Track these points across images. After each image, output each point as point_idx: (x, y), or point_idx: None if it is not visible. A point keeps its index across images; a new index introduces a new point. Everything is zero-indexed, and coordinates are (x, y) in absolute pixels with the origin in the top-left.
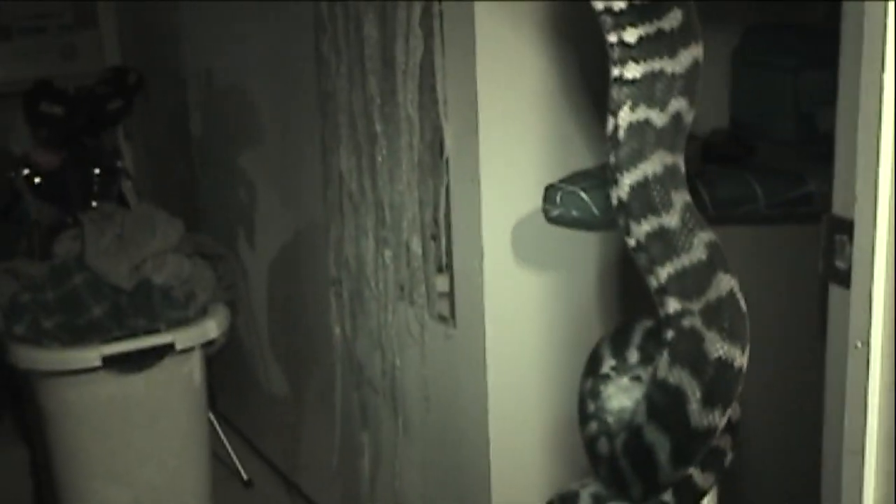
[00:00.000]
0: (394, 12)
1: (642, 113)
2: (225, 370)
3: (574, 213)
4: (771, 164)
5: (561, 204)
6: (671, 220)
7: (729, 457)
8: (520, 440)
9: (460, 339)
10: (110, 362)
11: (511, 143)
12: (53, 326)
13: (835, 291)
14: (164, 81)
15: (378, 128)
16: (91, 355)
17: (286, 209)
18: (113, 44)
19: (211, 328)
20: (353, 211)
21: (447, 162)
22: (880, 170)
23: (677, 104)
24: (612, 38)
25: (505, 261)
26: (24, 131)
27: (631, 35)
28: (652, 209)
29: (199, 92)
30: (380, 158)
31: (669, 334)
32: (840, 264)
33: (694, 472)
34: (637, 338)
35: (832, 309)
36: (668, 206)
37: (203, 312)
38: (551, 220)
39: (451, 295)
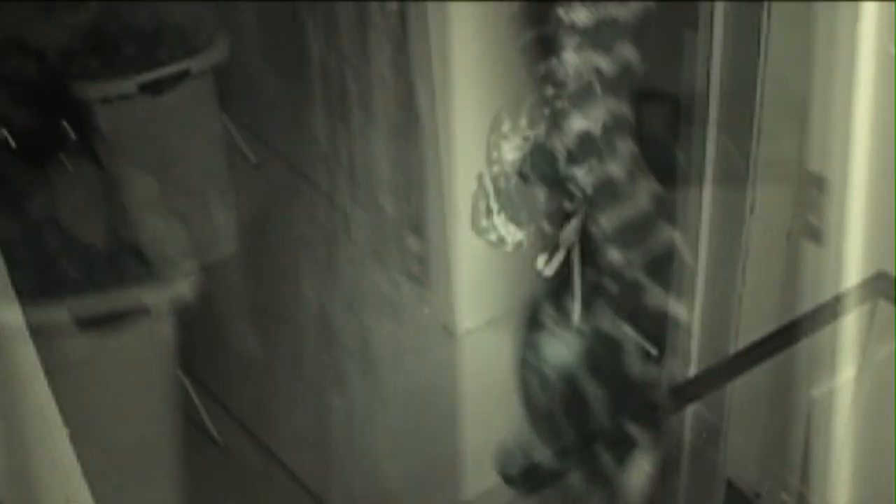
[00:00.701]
0: None
1: (589, 58)
2: (197, 331)
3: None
4: None
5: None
6: (616, 169)
7: (669, 415)
8: (490, 400)
9: (432, 299)
10: (143, 88)
11: (484, 102)
12: (98, 65)
13: (807, 246)
14: None
15: (352, 88)
16: (129, 84)
17: (257, 169)
18: None
19: (216, 53)
20: (327, 171)
21: (420, 122)
22: (854, 126)
23: (624, 50)
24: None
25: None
26: None
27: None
28: (598, 158)
29: None
30: (353, 119)
31: (546, 111)
32: (812, 220)
33: (631, 426)
34: (527, 107)
35: (802, 263)
36: (613, 154)
37: (209, 42)
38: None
39: (423, 255)
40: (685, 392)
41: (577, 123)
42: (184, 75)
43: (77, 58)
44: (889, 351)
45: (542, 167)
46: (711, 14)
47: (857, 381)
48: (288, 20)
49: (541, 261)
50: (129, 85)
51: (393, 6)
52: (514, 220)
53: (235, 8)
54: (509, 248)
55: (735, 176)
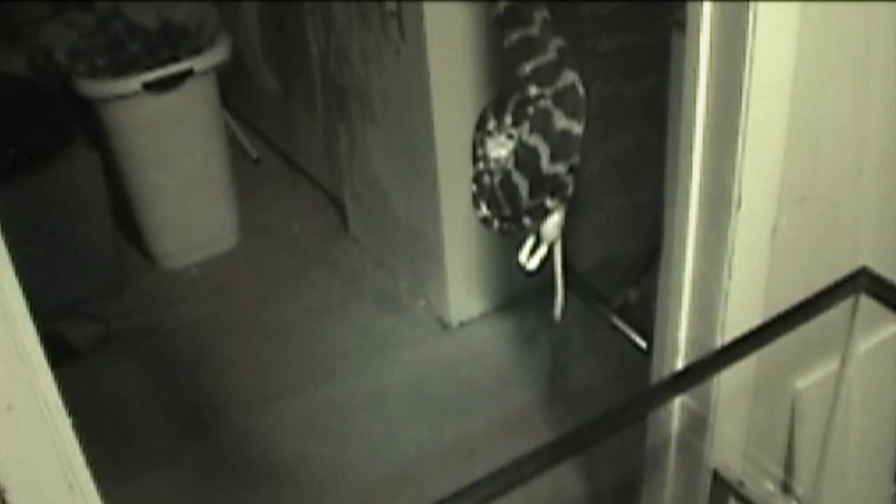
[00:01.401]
0: None
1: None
2: (233, 77)
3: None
4: None
5: None
6: (533, 30)
7: (570, 189)
8: (458, 119)
9: (408, 52)
10: (148, 87)
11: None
12: (104, 63)
13: (675, 36)
14: None
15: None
16: (134, 83)
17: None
18: None
19: (219, 53)
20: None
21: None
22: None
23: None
24: None
25: None
26: None
27: None
28: (520, 22)
29: None
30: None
31: (530, 110)
32: (679, 15)
33: (547, 199)
34: (511, 106)
35: (674, 48)
36: (530, 20)
37: (212, 41)
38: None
39: (399, 18)
40: (674, 385)
41: (560, 123)
42: (187, 74)
43: (84, 57)
44: (871, 343)
45: (526, 165)
46: (699, 25)
47: (840, 373)
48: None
49: (523, 255)
50: (135, 83)
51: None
52: (498, 215)
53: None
54: (495, 230)
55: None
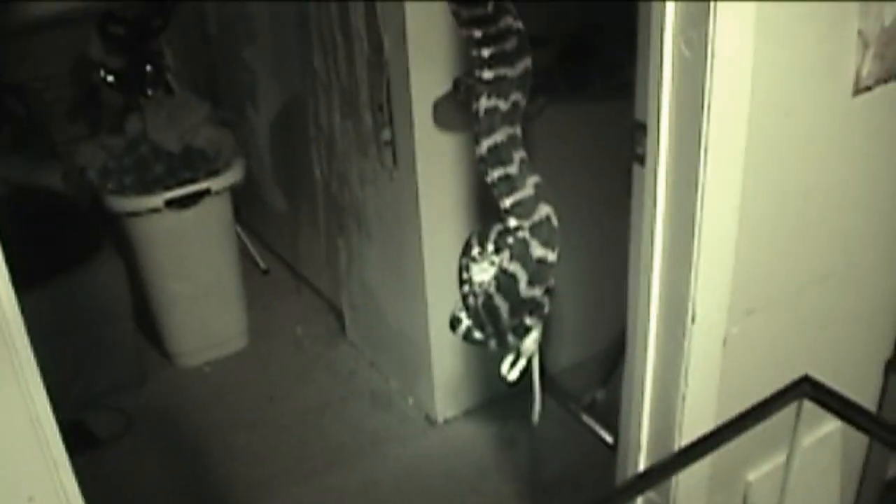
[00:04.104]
0: None
1: (493, 101)
2: (245, 196)
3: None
4: (606, 57)
5: (462, 90)
6: (513, 169)
7: (547, 308)
8: (443, 240)
9: (400, 178)
10: (169, 204)
11: (431, 47)
12: (131, 182)
13: (636, 169)
14: (190, 1)
15: (337, 37)
16: (157, 200)
17: (279, 89)
18: None
19: (233, 174)
20: (324, 92)
21: (387, 60)
22: (662, 90)
23: (515, 96)
24: (474, 53)
25: (429, 125)
26: (98, 44)
27: (486, 52)
28: (500, 162)
29: (214, 7)
30: (340, 58)
31: (510, 240)
32: (639, 150)
33: (527, 316)
34: (493, 235)
35: (635, 179)
36: (510, 160)
37: (227, 164)
38: (458, 100)
39: (393, 148)
40: (637, 485)
41: (537, 252)
42: (205, 193)
43: (113, 176)
44: (815, 438)
45: (506, 289)
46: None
47: (787, 466)
48: (297, 150)
49: (505, 366)
50: (158, 200)
51: (387, 136)
52: (481, 331)
53: (251, 136)
54: (478, 342)
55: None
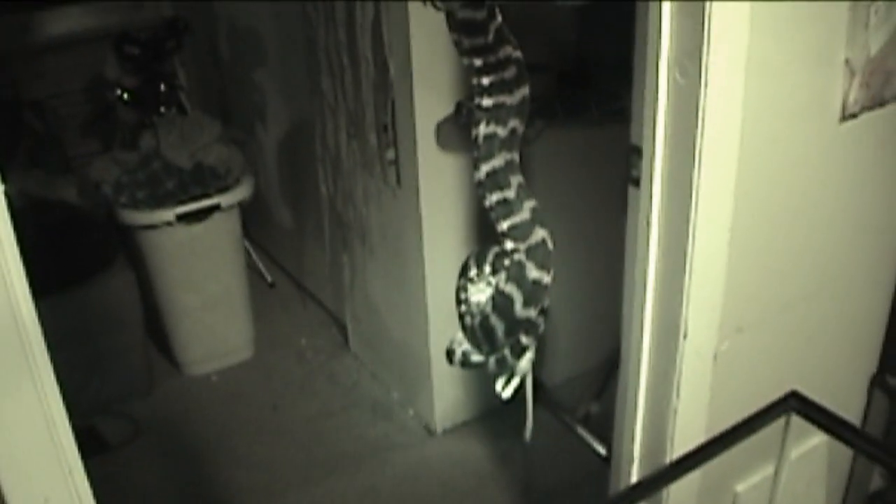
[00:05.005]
0: None
1: (492, 128)
2: (253, 212)
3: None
4: (602, 83)
5: (464, 113)
6: (510, 193)
7: (542, 328)
8: (444, 257)
9: (404, 197)
10: (180, 218)
11: (435, 71)
12: (144, 196)
13: (631, 191)
14: (203, 24)
15: (345, 61)
16: (168, 214)
17: (287, 109)
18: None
19: (242, 191)
20: (331, 113)
21: (392, 83)
22: (657, 116)
23: (514, 122)
24: (474, 80)
25: (431, 146)
26: (114, 64)
27: (485, 80)
28: (498, 187)
29: (226, 30)
30: (347, 80)
31: (506, 261)
32: (634, 173)
33: (522, 336)
34: (490, 257)
35: (630, 201)
36: (507, 185)
37: (237, 181)
38: (460, 122)
39: (396, 168)
40: (630, 495)
41: (532, 274)
42: (215, 208)
43: (127, 190)
44: (802, 451)
45: (502, 310)
46: (651, 181)
47: (775, 477)
48: (304, 168)
49: (499, 384)
50: (169, 215)
51: (391, 156)
52: (479, 351)
53: (259, 155)
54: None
55: (670, 309)
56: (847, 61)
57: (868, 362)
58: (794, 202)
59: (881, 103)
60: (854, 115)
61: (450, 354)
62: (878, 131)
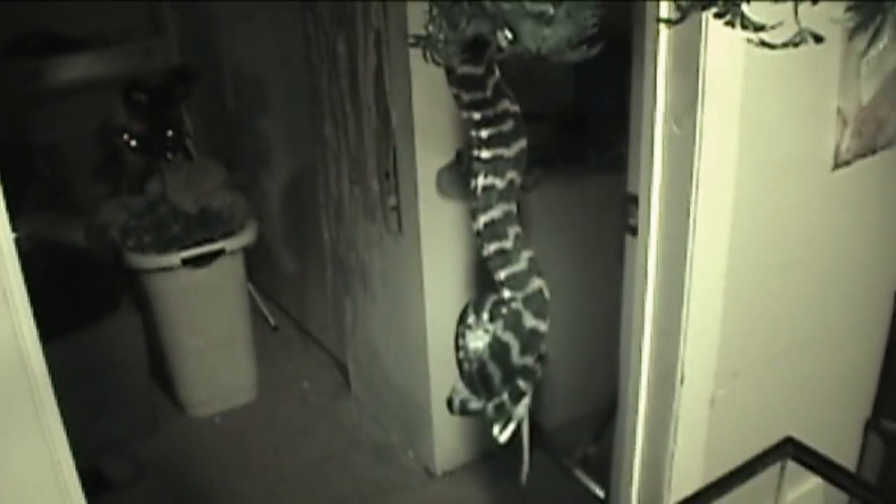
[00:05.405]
0: (356, 36)
1: (490, 179)
2: (257, 256)
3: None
4: (599, 132)
5: (465, 161)
6: (508, 243)
7: (539, 374)
8: (444, 302)
9: (405, 243)
10: (186, 262)
11: (436, 119)
12: (150, 240)
13: (628, 239)
14: (209, 71)
15: (348, 109)
16: (174, 258)
17: (291, 156)
18: (176, 48)
19: (247, 236)
20: (334, 160)
21: (394, 131)
22: (654, 166)
23: (511, 174)
24: (473, 133)
25: (432, 193)
26: (122, 110)
27: (484, 133)
28: (496, 237)
29: (232, 78)
30: (350, 128)
31: (503, 310)
32: (632, 222)
33: (520, 381)
34: (488, 305)
35: (627, 249)
36: (505, 235)
37: (241, 226)
38: (460, 170)
39: (398, 214)
40: None
41: (529, 322)
42: (219, 253)
43: (133, 234)
44: (798, 494)
45: (499, 357)
46: (648, 231)
47: None
48: (307, 214)
49: (496, 428)
50: (175, 259)
51: (392, 202)
52: (476, 396)
53: (264, 200)
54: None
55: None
56: (839, 110)
57: (862, 406)
58: (788, 249)
59: (873, 150)
60: (847, 163)
61: (450, 403)
62: (870, 179)
